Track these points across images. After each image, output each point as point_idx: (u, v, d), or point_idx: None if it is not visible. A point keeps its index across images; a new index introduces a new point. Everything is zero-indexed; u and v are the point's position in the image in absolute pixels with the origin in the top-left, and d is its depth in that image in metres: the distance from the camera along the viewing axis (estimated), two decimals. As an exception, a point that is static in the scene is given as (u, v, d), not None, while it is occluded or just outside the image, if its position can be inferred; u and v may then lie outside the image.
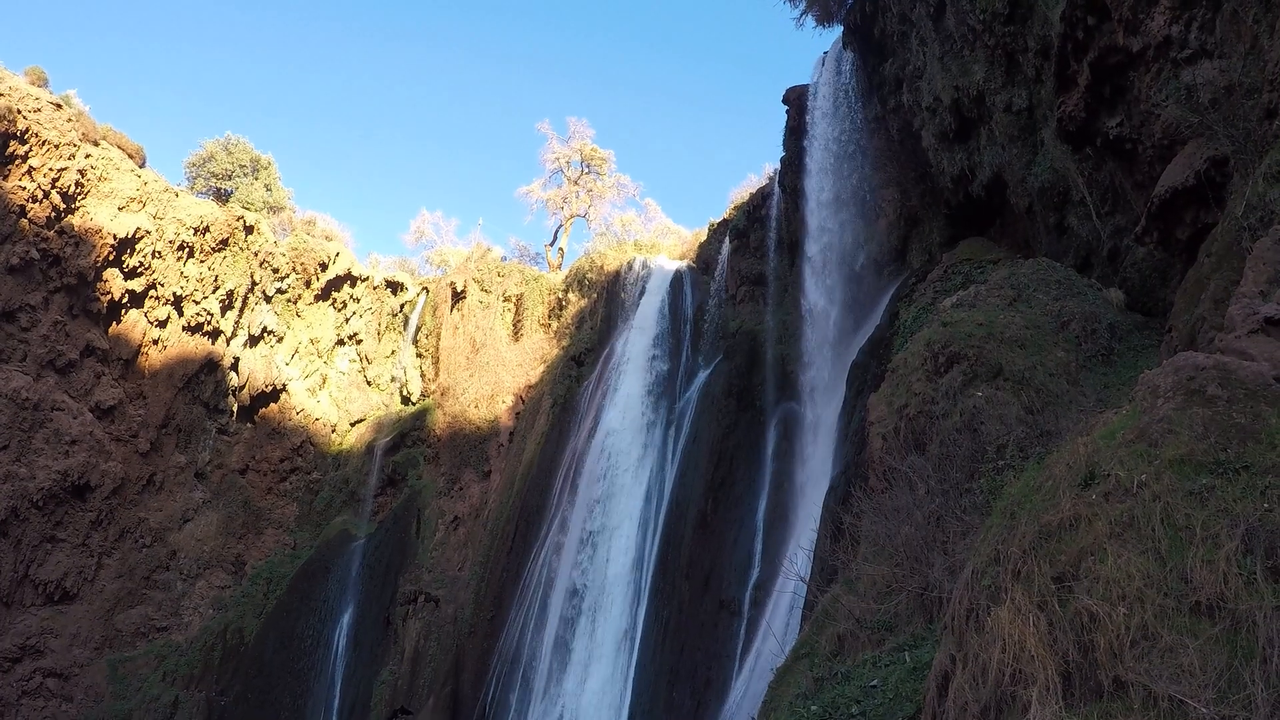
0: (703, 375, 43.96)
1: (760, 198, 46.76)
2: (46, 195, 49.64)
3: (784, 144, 41.79)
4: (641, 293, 50.94)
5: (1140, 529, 7.08)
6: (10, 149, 48.53)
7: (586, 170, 72.14)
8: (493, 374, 57.25)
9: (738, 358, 42.18)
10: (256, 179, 66.59)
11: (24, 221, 49.19)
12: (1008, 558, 7.97)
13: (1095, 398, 17.97)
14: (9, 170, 48.80)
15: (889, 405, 21.59)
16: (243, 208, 60.89)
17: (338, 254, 61.20)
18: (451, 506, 54.93)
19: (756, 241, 45.71)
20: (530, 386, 55.31)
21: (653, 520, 41.64)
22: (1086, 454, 8.15)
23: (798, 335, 39.53)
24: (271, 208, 66.20)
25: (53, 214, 50.05)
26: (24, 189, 48.99)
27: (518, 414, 54.96)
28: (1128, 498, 7.39)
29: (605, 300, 53.63)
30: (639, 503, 42.82)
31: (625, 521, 42.92)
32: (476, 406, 56.83)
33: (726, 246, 47.63)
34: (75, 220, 50.86)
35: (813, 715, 12.16)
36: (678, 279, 49.98)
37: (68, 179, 50.08)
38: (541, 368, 55.55)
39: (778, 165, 43.79)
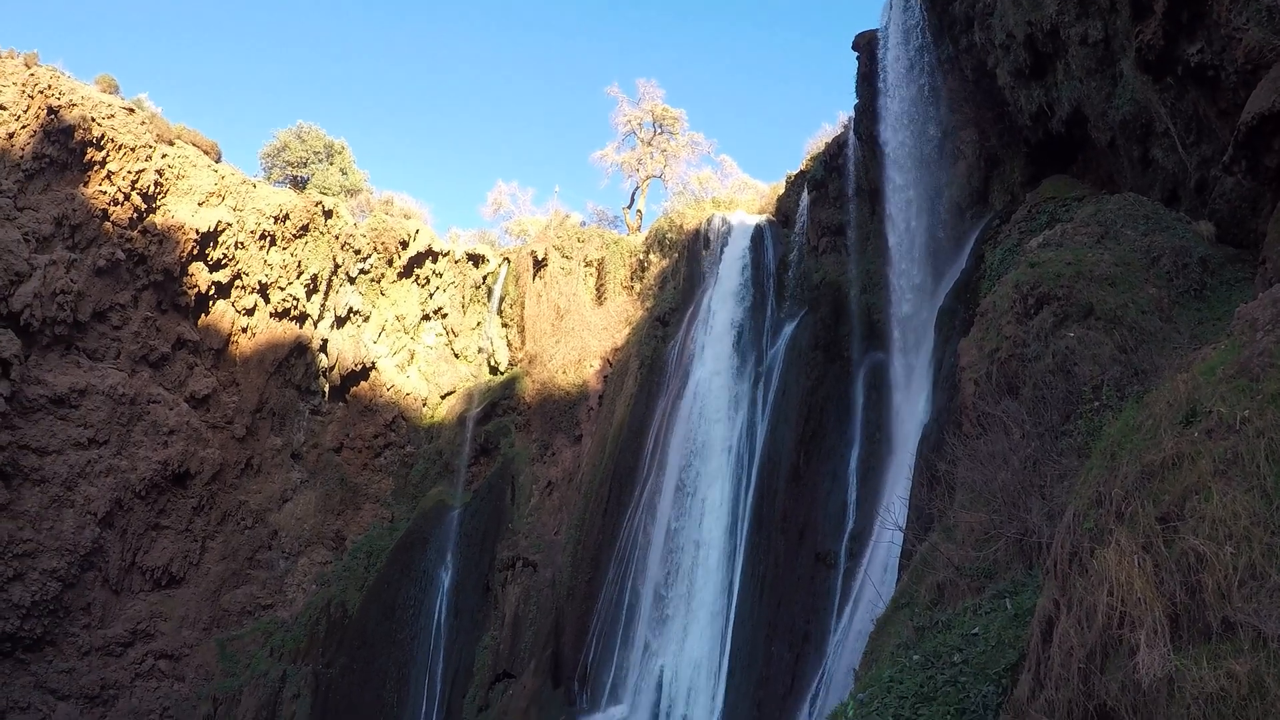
0: (789, 328, 43.69)
1: (836, 147, 46.13)
2: (127, 197, 50.96)
3: (856, 91, 41.12)
4: (722, 249, 50.71)
5: (1245, 466, 6.94)
6: (88, 156, 49.89)
7: (659, 131, 71.86)
8: (578, 339, 57.60)
9: (823, 309, 41.85)
10: (331, 164, 67.65)
11: (107, 224, 50.56)
12: (1110, 499, 7.87)
13: (1190, 334, 17.55)
14: (89, 177, 50.21)
15: (979, 349, 21.30)
16: (320, 193, 61.84)
17: (417, 231, 61.87)
18: (544, 472, 55.55)
19: (835, 191, 45.17)
20: (616, 349, 55.54)
21: (745, 475, 41.68)
22: (1187, 391, 7.99)
23: (882, 284, 39.04)
24: (348, 191, 67.22)
25: (135, 214, 51.37)
26: (105, 193, 50.37)
27: (605, 377, 55.27)
28: (1231, 434, 7.24)
29: (686, 259, 53.53)
30: (730, 458, 42.88)
31: (718, 478, 43.04)
32: (564, 372, 57.27)
33: (805, 198, 47.14)
34: (157, 219, 52.15)
35: (914, 665, 12.17)
36: (758, 233, 49.64)
37: (146, 179, 51.33)
38: (627, 330, 55.73)
39: (851, 113, 43.15)
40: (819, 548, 36.34)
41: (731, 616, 38.93)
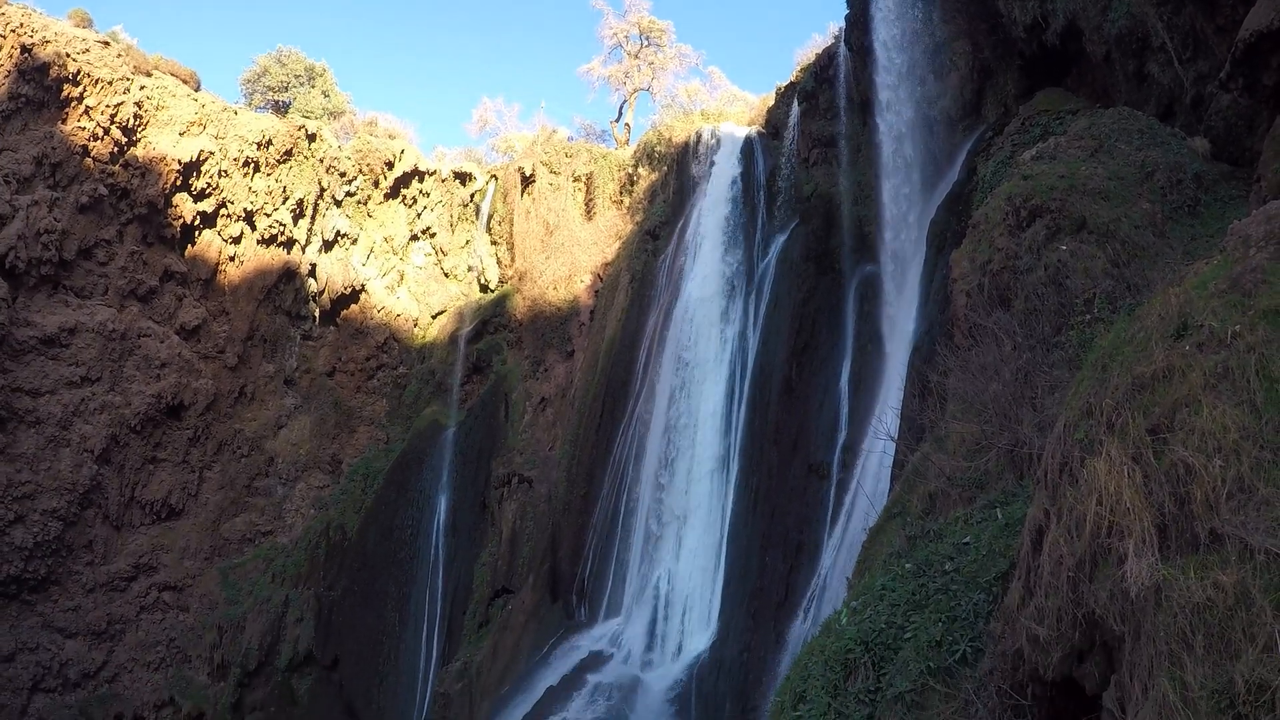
0: (779, 241, 43.58)
1: (827, 58, 45.51)
2: (107, 131, 50.34)
3: (847, 1, 40.55)
4: (712, 162, 50.26)
5: (1235, 380, 7.01)
6: (65, 92, 49.14)
7: (646, 43, 70.74)
8: (568, 254, 57.40)
9: (814, 221, 41.71)
10: (313, 87, 66.83)
11: (88, 160, 50.03)
12: (1101, 410, 7.94)
13: (1182, 250, 17.55)
14: (66, 113, 49.55)
15: (971, 262, 21.30)
16: (303, 117, 61.07)
17: (402, 151, 61.24)
18: (537, 388, 55.75)
19: (826, 103, 44.67)
20: (607, 264, 55.38)
21: (738, 388, 41.87)
22: (1178, 304, 8.03)
23: (874, 196, 38.80)
24: (331, 113, 66.48)
25: (115, 149, 50.80)
26: (84, 129, 49.74)
27: (597, 292, 55.17)
28: (1222, 349, 7.29)
29: (676, 172, 53.12)
30: (723, 372, 43.01)
31: (710, 390, 43.21)
32: (555, 288, 57.17)
33: (795, 110, 46.63)
34: (138, 151, 51.59)
35: (907, 573, 12.33)
36: (748, 145, 49.19)
37: (125, 113, 50.65)
38: (617, 244, 55.51)
39: (842, 23, 42.54)
40: (812, 459, 36.68)
41: (726, 528, 39.39)
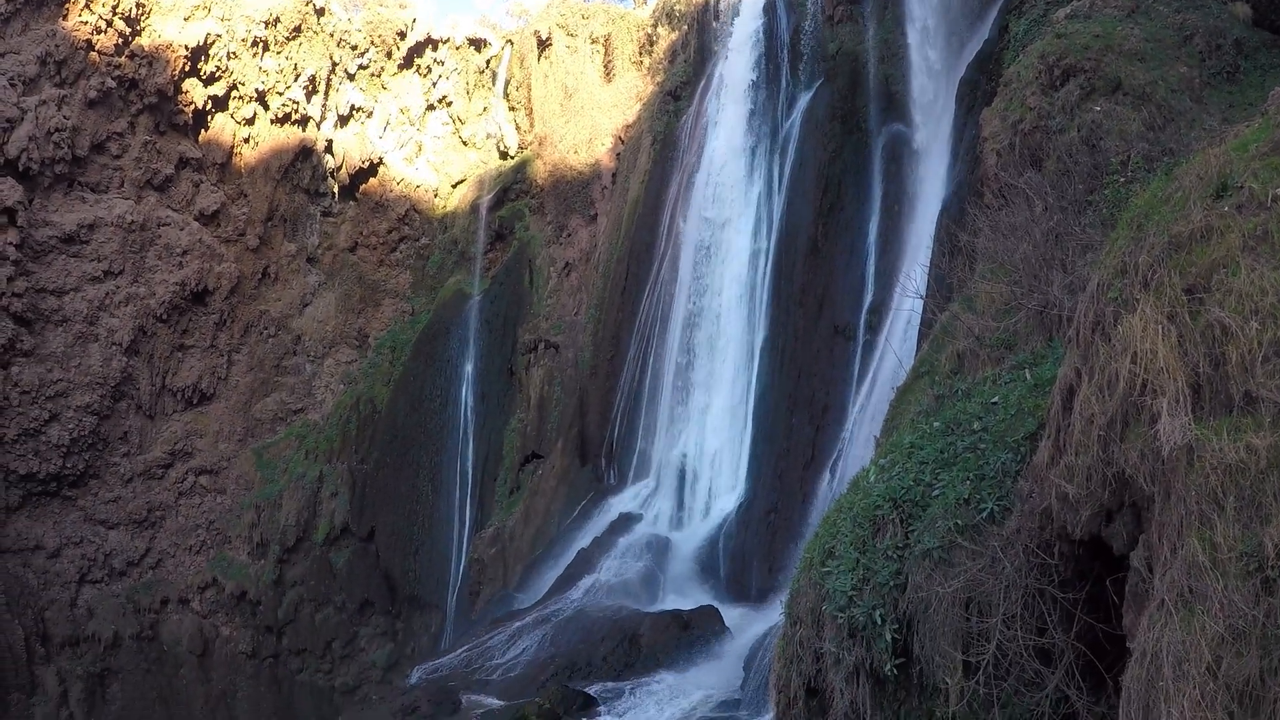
0: (804, 99, 42.71)
1: (851, -94, 43.95)
2: (110, 24, 49.43)
3: None
4: (734, 20, 48.96)
5: (1274, 243, 6.92)
6: None
7: (663, -106, 68.32)
8: (588, 118, 56.60)
9: (839, 80, 40.82)
10: (317, -40, 64.81)
11: (93, 55, 49.28)
12: (1136, 268, 7.86)
13: (1220, 116, 17.15)
14: (67, 9, 48.69)
15: (1003, 120, 20.95)
16: (308, -9, 59.67)
17: (414, 20, 59.97)
18: (561, 253, 55.63)
19: (851, -44, 43.31)
20: (628, 126, 54.60)
21: (763, 249, 41.57)
22: (1218, 165, 7.89)
23: (901, 54, 37.89)
24: (337, -14, 64.71)
25: (120, 40, 49.93)
26: (86, 23, 48.88)
27: (618, 155, 54.53)
28: (1261, 211, 7.20)
29: (697, 31, 51.91)
30: (748, 233, 42.68)
31: (735, 252, 42.96)
32: (576, 152, 56.52)
33: (819, -37, 45.29)
34: (143, 41, 50.73)
35: (935, 431, 12.34)
36: (771, 2, 47.90)
37: (127, 3, 49.63)
38: (638, 106, 54.62)
39: None
40: (838, 320, 36.70)
41: (752, 389, 39.63)
